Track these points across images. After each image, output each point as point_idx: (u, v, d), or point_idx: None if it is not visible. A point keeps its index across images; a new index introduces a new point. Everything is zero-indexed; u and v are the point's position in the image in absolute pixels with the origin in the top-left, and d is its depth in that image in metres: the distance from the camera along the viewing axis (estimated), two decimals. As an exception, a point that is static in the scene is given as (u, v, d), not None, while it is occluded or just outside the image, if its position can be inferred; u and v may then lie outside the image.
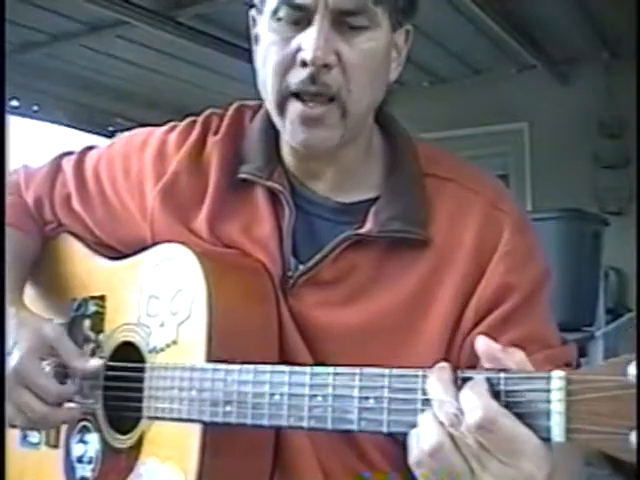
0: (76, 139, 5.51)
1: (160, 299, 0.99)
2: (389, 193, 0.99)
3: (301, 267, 0.98)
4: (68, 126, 5.46)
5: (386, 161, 1.03)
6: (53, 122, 5.40)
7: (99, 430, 1.05)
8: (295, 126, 0.93)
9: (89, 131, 5.60)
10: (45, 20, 4.07)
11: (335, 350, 0.95)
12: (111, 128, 5.66)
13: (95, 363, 1.02)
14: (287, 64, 0.91)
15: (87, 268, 1.16)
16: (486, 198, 0.99)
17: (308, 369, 0.81)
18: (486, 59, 4.83)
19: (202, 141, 1.07)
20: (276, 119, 0.96)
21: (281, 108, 0.93)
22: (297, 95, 0.91)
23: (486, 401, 0.67)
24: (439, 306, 0.95)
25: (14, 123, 5.02)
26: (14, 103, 4.96)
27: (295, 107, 0.92)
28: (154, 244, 1.05)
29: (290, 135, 0.94)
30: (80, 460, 1.06)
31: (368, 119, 1.00)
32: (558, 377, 0.66)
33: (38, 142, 5.42)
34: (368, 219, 0.97)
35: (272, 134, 1.03)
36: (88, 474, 1.05)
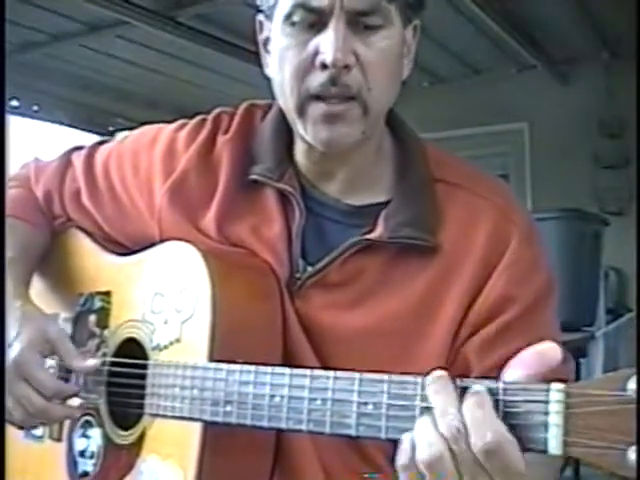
0: (76, 139, 5.51)
1: (165, 296, 0.99)
2: (400, 198, 0.99)
3: (309, 269, 0.98)
4: (68, 126, 5.47)
5: (396, 164, 1.03)
6: (53, 122, 5.41)
7: (101, 425, 1.05)
8: (318, 125, 0.92)
9: (89, 131, 5.60)
10: (45, 20, 4.07)
11: (341, 353, 0.95)
12: (111, 128, 5.66)
13: (92, 362, 1.02)
14: (306, 68, 0.91)
15: (94, 263, 1.16)
16: (497, 207, 0.98)
17: (308, 372, 0.80)
18: (486, 59, 4.83)
19: (212, 140, 1.07)
20: (296, 121, 0.95)
21: (301, 111, 0.93)
22: (317, 97, 0.91)
23: (496, 424, 0.67)
24: (446, 313, 0.94)
25: (14, 123, 5.03)
26: (14, 103, 4.97)
27: (317, 107, 0.91)
28: (161, 242, 1.05)
29: (312, 135, 0.94)
30: (82, 454, 1.07)
31: (382, 119, 1.00)
32: (557, 390, 0.66)
33: (38, 142, 5.43)
34: (378, 224, 0.96)
35: (284, 134, 1.03)
36: (89, 469, 1.05)
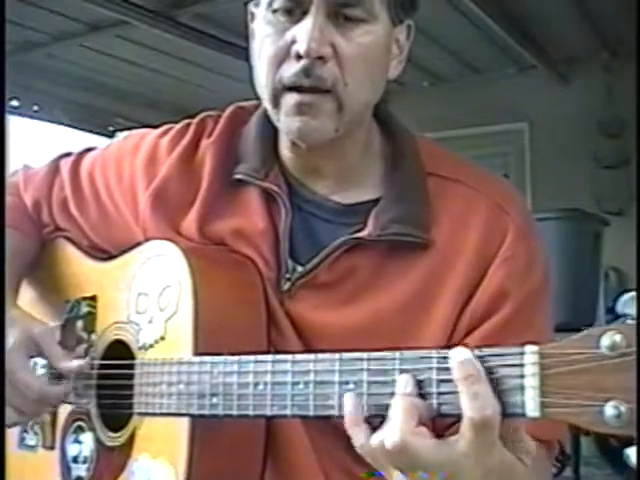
0: (76, 139, 5.52)
1: (148, 296, 0.99)
2: (390, 194, 0.97)
3: (299, 269, 0.97)
4: (68, 126, 5.48)
5: (387, 159, 1.02)
6: (53, 122, 5.41)
7: (93, 429, 1.05)
8: (290, 116, 0.91)
9: (89, 131, 5.61)
10: (45, 20, 4.08)
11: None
12: (111, 128, 5.67)
13: (77, 363, 1.02)
14: (281, 56, 0.90)
15: (79, 270, 1.16)
16: (491, 200, 0.96)
17: (290, 357, 0.81)
18: (486, 59, 4.84)
19: (195, 144, 1.06)
20: (271, 112, 0.95)
21: (276, 101, 0.92)
22: (291, 88, 0.90)
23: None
24: (440, 309, 0.93)
25: (14, 123, 5.03)
26: (14, 103, 4.98)
27: (290, 97, 0.90)
28: (142, 243, 1.05)
29: (285, 125, 0.93)
30: (75, 460, 1.07)
31: (366, 115, 0.99)
32: (531, 352, 0.66)
33: (38, 142, 5.43)
34: (368, 222, 0.95)
35: (269, 134, 1.01)
36: (83, 474, 1.05)
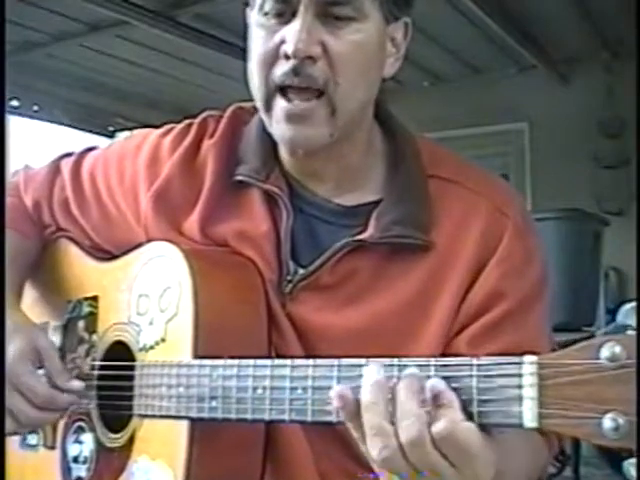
0: (76, 139, 5.52)
1: (149, 297, 0.99)
2: (391, 196, 0.97)
3: (301, 271, 0.97)
4: (68, 126, 5.47)
5: (388, 161, 1.02)
6: (53, 122, 5.41)
7: (93, 430, 1.05)
8: (281, 124, 0.91)
9: (89, 131, 5.61)
10: (45, 20, 4.08)
11: (334, 354, 0.94)
12: (111, 128, 5.67)
13: (76, 385, 1.02)
14: (271, 57, 0.90)
15: (81, 270, 1.16)
16: (491, 202, 0.97)
17: (289, 361, 0.81)
18: (486, 59, 4.83)
19: (197, 145, 1.05)
20: (264, 116, 0.95)
21: (268, 105, 0.92)
22: (282, 90, 0.90)
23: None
24: (440, 310, 0.94)
25: (14, 123, 5.03)
26: (14, 103, 4.98)
27: (280, 104, 0.90)
28: (143, 244, 1.05)
29: (277, 133, 0.93)
30: (76, 460, 1.07)
31: (364, 115, 0.99)
32: (530, 362, 0.66)
33: (38, 142, 5.43)
34: (370, 224, 0.95)
35: (269, 135, 1.00)
36: (83, 474, 1.05)
